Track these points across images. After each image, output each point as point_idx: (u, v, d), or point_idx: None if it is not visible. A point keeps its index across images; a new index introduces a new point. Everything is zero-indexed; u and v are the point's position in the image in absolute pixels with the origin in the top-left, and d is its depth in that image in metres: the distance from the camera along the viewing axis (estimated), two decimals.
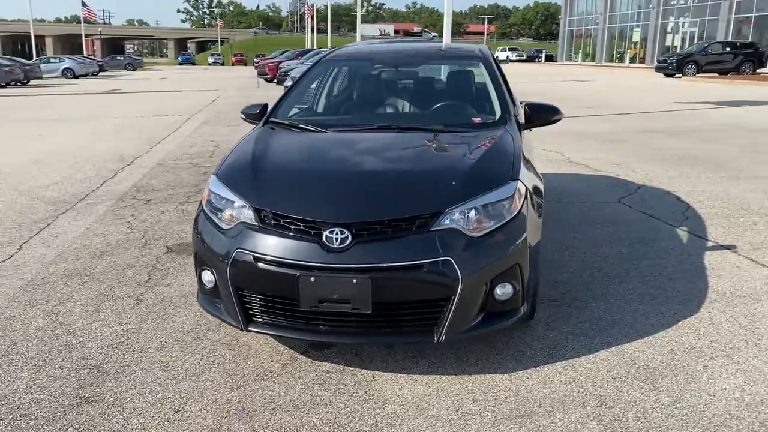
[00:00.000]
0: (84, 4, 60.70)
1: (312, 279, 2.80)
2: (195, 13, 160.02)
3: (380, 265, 2.77)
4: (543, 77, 35.29)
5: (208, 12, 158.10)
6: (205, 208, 3.22)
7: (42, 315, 3.71)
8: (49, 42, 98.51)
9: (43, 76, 36.61)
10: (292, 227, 2.90)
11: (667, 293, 3.98)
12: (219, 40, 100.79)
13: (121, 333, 3.47)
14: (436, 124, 3.82)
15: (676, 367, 3.06)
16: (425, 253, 2.80)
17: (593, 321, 3.59)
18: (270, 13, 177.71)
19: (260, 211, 2.99)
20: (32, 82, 33.50)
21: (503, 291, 2.97)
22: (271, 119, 4.04)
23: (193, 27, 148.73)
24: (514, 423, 2.63)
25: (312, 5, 68.05)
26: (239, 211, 3.05)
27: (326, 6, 63.02)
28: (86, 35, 71.72)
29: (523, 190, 3.13)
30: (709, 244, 4.99)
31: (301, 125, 3.93)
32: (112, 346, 3.31)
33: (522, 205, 3.07)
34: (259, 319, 2.99)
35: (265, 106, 4.26)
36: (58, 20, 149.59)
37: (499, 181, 3.11)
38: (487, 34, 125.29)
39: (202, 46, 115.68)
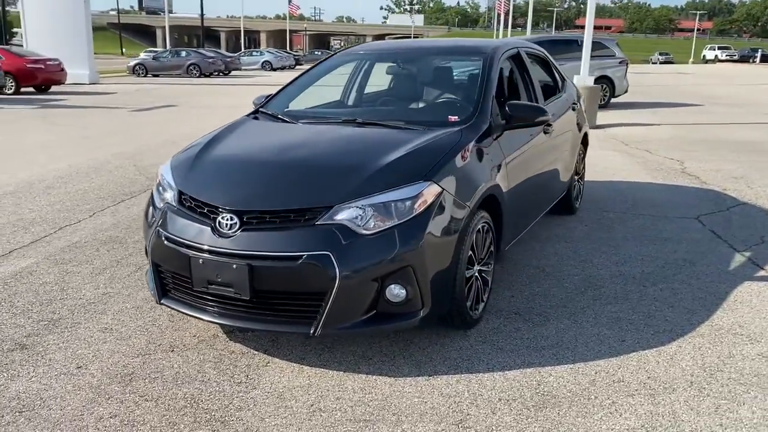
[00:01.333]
0: (290, 1, 65.54)
1: (201, 261, 2.96)
2: (397, 10, 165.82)
3: (257, 253, 2.85)
4: (743, 79, 31.76)
5: (408, 9, 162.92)
6: (153, 189, 3.50)
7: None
8: (263, 37, 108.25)
9: (244, 67, 40.29)
10: (198, 210, 3.07)
11: (651, 321, 3.56)
12: (412, 36, 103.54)
13: (99, 296, 3.89)
14: (400, 120, 3.75)
15: (578, 399, 2.77)
16: (305, 246, 2.82)
17: (537, 339, 3.33)
18: (468, 9, 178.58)
19: (182, 194, 3.20)
20: (233, 72, 37.02)
21: (395, 293, 2.90)
22: (261, 109, 4.23)
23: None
24: (354, 426, 2.57)
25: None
26: (170, 193, 3.29)
27: (526, 1, 61.67)
28: (293, 31, 77.40)
29: (435, 192, 3.00)
30: (761, 274, 4.33)
31: (279, 116, 4.07)
32: (81, 305, 3.73)
33: (430, 207, 2.96)
34: (171, 295, 3.21)
35: (270, 96, 4.46)
36: (277, 17, 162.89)
37: (410, 179, 3.02)
38: (702, 31, 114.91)
39: None
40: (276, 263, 2.83)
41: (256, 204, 2.97)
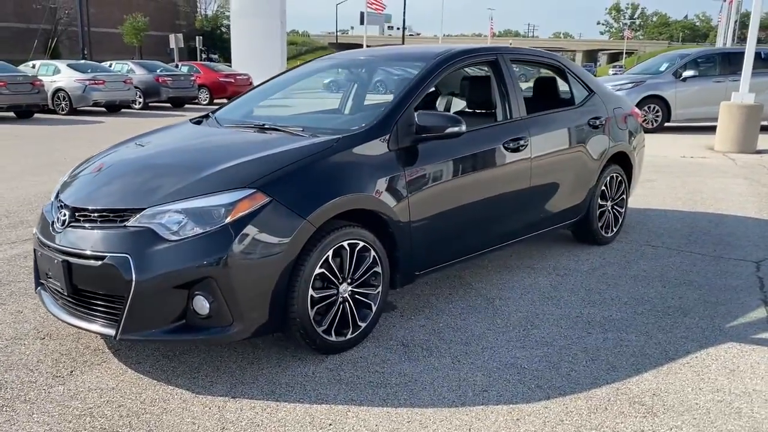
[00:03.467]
0: (491, 20, 65.48)
1: (40, 254, 3.06)
2: (615, 25, 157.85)
3: (71, 249, 2.88)
4: None
5: (628, 24, 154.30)
6: None
7: None
8: None
9: None
10: (58, 206, 3.19)
11: (536, 379, 2.97)
12: (624, 51, 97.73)
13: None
14: (302, 126, 3.53)
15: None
16: (110, 247, 2.79)
17: (393, 375, 2.94)
18: (697, 23, 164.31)
19: (58, 191, 3.35)
20: None
21: (200, 304, 2.76)
22: (211, 113, 4.27)
23: (611, 39, 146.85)
24: None
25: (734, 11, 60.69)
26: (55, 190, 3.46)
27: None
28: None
29: (257, 201, 2.79)
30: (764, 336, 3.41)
31: (216, 118, 4.07)
32: None
33: (247, 217, 2.76)
34: (43, 286, 3.34)
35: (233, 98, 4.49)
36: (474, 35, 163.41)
37: (233, 185, 2.84)
38: None
39: (615, 57, 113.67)
40: (84, 261, 2.84)
41: (88, 202, 3.01)
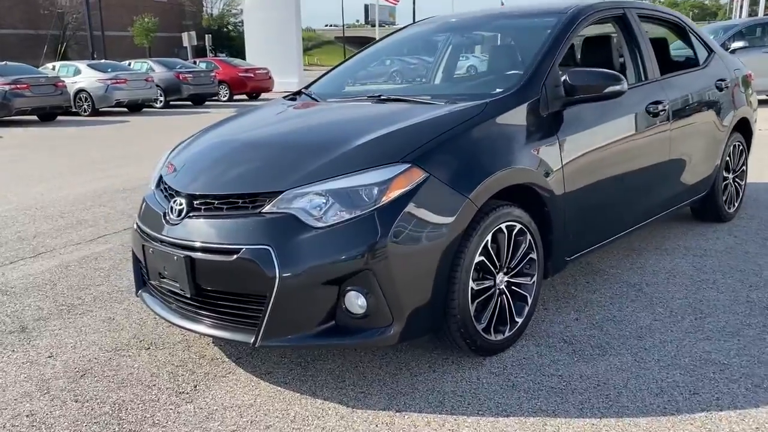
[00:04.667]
0: None
1: (151, 251, 2.63)
2: None
3: (193, 243, 2.44)
4: None
5: None
6: None
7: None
8: None
9: None
10: (165, 195, 2.75)
11: (756, 369, 2.51)
12: None
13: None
14: (429, 95, 3.08)
15: None
16: (246, 238, 2.35)
17: (572, 379, 2.49)
18: (706, 1, 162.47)
19: (161, 178, 2.91)
20: None
21: (354, 302, 2.31)
22: (302, 89, 3.81)
23: None
24: None
25: None
26: (154, 178, 3.02)
27: None
28: None
29: (415, 178, 2.35)
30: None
31: (312, 95, 3.61)
32: (108, 294, 3.62)
33: (406, 196, 2.31)
34: (147, 287, 2.91)
35: (322, 75, 4.02)
36: None
37: (384, 160, 2.39)
38: None
39: None
40: (213, 257, 2.40)
41: (207, 188, 2.57)
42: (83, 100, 17.07)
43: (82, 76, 17.34)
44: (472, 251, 2.47)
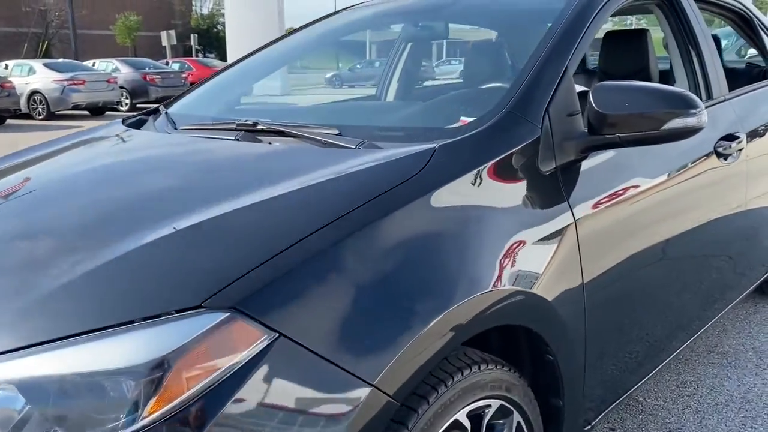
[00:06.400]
0: None
1: None
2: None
3: None
4: None
5: None
6: None
7: None
8: None
9: None
10: None
11: None
12: None
13: None
14: (330, 126, 1.68)
15: None
16: None
17: None
18: None
19: None
20: None
21: None
22: (163, 106, 2.37)
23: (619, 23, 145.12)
24: None
25: None
26: None
27: None
28: None
29: (250, 343, 0.98)
30: None
31: (168, 116, 2.19)
32: None
33: (212, 391, 0.94)
34: None
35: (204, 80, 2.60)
36: None
37: (161, 302, 1.03)
38: None
39: None
40: None
41: None
42: (37, 102, 15.63)
43: (36, 76, 15.92)
44: None
